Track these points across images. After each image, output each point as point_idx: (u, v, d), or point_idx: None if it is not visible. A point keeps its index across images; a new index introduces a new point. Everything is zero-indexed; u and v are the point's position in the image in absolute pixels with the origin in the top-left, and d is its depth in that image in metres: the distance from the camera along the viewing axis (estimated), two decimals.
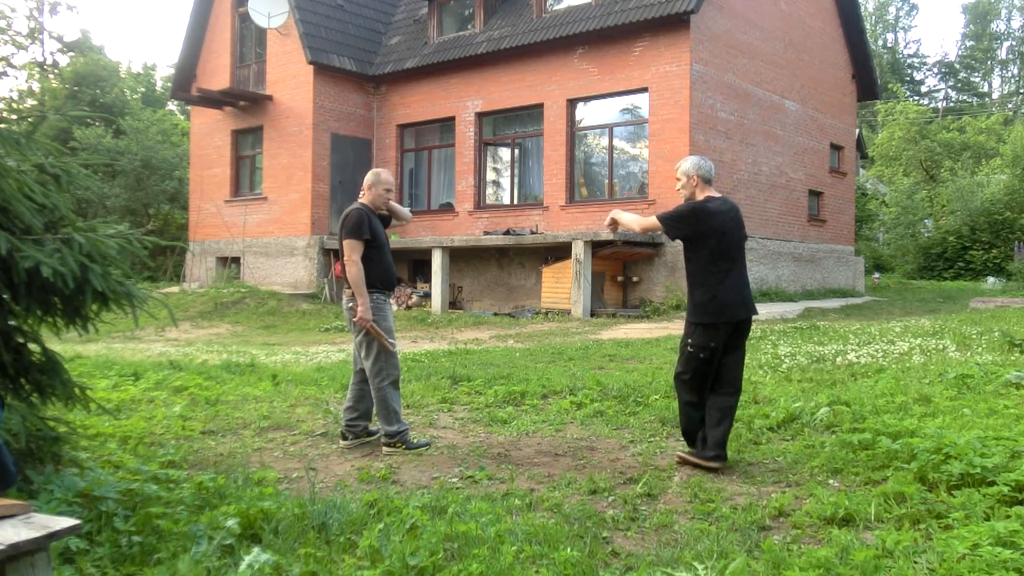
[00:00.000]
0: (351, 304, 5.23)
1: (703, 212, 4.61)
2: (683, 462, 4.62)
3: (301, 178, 19.18)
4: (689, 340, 4.64)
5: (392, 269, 5.42)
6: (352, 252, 5.13)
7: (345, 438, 5.30)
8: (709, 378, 4.64)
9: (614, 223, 4.96)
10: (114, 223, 3.87)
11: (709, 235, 4.59)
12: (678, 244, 17.36)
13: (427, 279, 18.24)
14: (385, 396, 5.17)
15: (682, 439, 5.23)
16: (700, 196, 4.71)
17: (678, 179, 4.83)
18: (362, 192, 5.41)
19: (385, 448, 5.16)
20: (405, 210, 5.64)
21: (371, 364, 5.19)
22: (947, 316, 12.99)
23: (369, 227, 5.21)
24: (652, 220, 4.78)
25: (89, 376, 7.06)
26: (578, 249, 14.75)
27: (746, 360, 8.27)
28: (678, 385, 4.78)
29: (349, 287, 5.24)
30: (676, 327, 12.88)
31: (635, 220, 4.89)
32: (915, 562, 2.91)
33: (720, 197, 4.73)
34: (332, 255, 18.54)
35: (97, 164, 21.14)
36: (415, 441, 5.22)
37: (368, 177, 5.41)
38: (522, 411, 6.20)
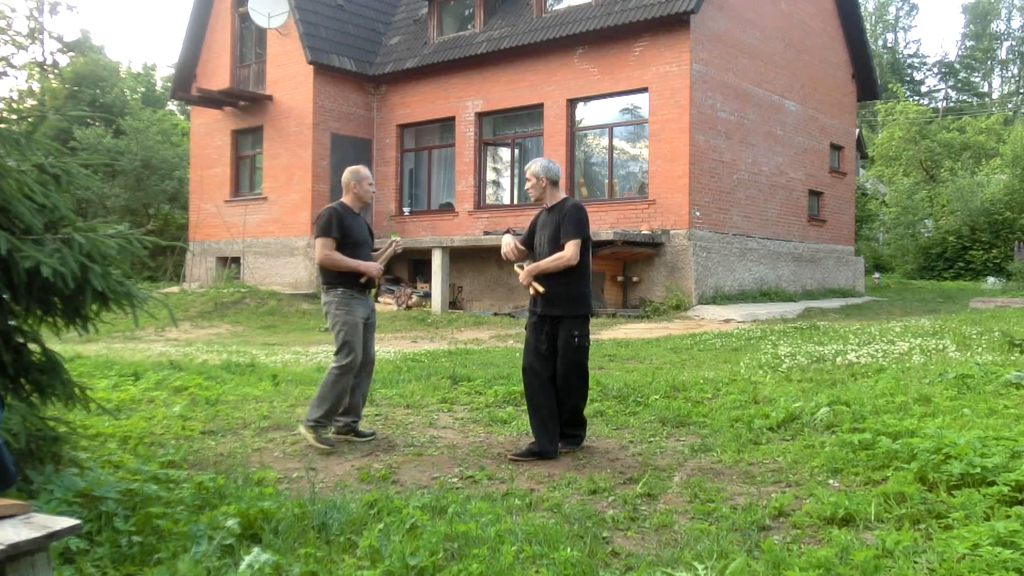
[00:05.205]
0: (328, 299, 5.31)
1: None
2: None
3: (301, 178, 19.18)
4: (577, 333, 4.88)
5: None
6: (323, 247, 5.23)
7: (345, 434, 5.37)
8: None
9: (533, 288, 4.96)
10: (114, 223, 3.87)
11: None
12: (678, 244, 17.05)
13: (427, 279, 18.23)
14: (334, 381, 5.21)
15: (683, 439, 5.24)
16: (550, 197, 5.00)
17: (528, 180, 5.03)
18: (345, 192, 5.42)
19: (302, 428, 5.22)
20: (377, 266, 5.40)
21: (336, 351, 5.34)
22: (947, 316, 12.99)
23: (339, 226, 5.23)
24: (569, 249, 4.83)
25: (89, 376, 7.05)
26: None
27: (746, 359, 8.35)
28: (582, 382, 4.99)
29: (327, 284, 5.30)
30: (676, 327, 12.88)
31: (551, 260, 4.90)
32: (915, 562, 2.90)
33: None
34: None
35: (97, 164, 21.12)
36: (327, 437, 5.21)
37: (346, 176, 5.39)
38: (522, 411, 6.19)
